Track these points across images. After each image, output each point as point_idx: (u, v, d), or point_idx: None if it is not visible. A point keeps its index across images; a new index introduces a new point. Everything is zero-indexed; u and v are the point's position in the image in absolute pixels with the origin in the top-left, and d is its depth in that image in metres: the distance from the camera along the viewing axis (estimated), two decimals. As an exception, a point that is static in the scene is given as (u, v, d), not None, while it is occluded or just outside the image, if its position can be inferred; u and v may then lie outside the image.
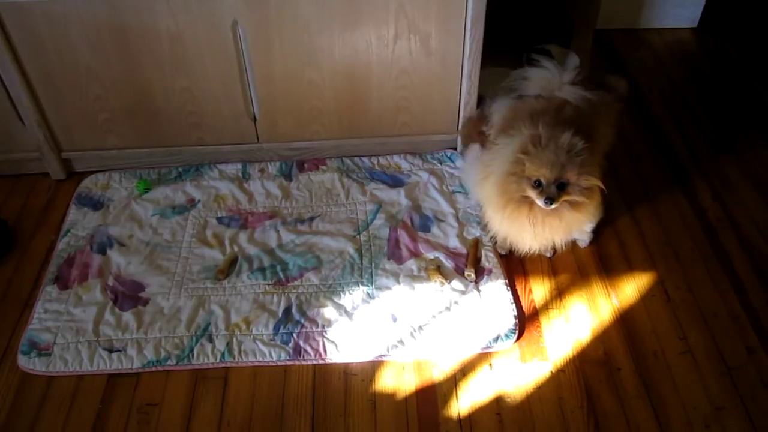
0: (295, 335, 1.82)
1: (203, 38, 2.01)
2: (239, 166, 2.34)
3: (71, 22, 1.94)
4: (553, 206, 1.70)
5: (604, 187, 1.77)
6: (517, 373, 1.76)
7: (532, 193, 1.72)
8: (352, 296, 1.91)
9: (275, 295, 1.92)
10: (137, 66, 2.05)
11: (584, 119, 1.86)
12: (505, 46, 2.63)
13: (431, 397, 1.71)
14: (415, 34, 2.03)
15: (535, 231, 1.81)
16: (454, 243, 2.05)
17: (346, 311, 1.87)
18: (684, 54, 2.92)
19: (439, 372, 1.76)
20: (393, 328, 1.83)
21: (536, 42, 2.64)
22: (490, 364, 1.78)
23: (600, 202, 1.84)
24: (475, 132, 2.14)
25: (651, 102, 2.65)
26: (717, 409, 1.67)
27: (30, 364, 1.77)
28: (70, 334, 1.83)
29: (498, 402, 1.70)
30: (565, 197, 1.72)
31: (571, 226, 1.84)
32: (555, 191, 1.69)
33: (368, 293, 1.92)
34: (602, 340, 1.83)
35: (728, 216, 2.17)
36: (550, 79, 1.98)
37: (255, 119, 2.22)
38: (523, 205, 1.76)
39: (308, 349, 1.79)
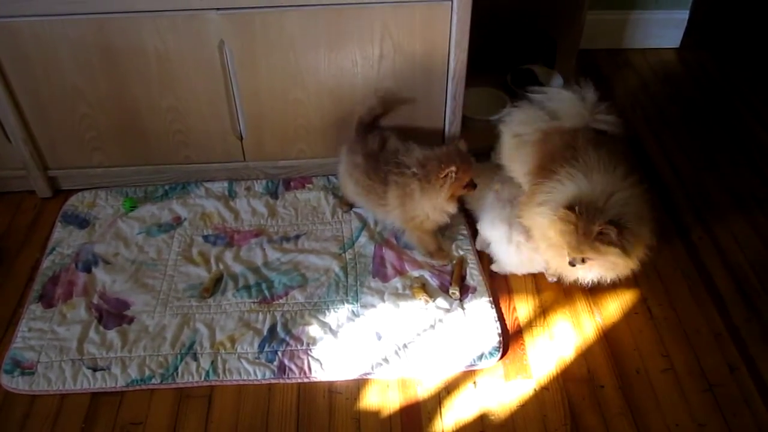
0: (279, 353, 1.82)
1: (190, 58, 2.02)
2: (225, 184, 2.34)
3: (59, 41, 1.95)
4: (579, 267, 1.76)
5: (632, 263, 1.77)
6: (501, 391, 1.77)
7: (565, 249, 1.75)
8: (337, 314, 1.92)
9: (260, 314, 1.92)
10: (124, 85, 2.06)
11: (618, 149, 1.86)
12: (490, 66, 2.66)
13: (415, 415, 1.71)
14: (399, 55, 2.06)
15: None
16: (439, 261, 2.06)
17: (331, 329, 1.88)
18: (667, 74, 2.96)
19: (423, 390, 1.77)
20: (378, 346, 1.84)
21: (520, 62, 2.68)
22: (475, 382, 1.78)
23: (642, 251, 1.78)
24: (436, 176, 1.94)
25: (634, 121, 2.69)
26: (699, 426, 1.69)
27: (13, 383, 1.76)
28: (54, 353, 1.82)
29: (482, 420, 1.70)
30: (594, 264, 1.76)
31: (602, 275, 1.85)
32: (580, 260, 1.73)
33: (353, 311, 1.92)
34: (586, 357, 1.84)
35: (710, 234, 2.19)
36: (575, 106, 1.94)
37: (241, 138, 2.23)
38: (562, 251, 1.78)
39: (293, 367, 1.79)
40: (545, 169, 1.83)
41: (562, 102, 1.96)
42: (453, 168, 1.89)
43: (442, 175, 1.90)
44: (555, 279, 2.01)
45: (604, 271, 1.81)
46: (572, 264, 1.75)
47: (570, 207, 1.65)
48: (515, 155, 2.02)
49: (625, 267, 1.77)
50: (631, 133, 2.61)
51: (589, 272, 1.83)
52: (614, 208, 1.66)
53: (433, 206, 1.97)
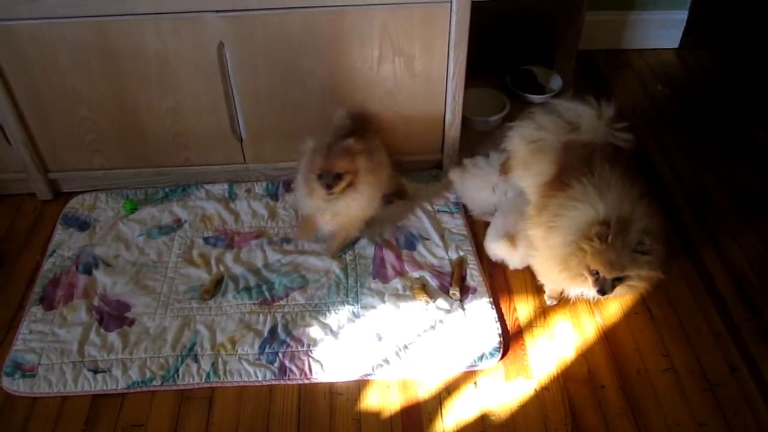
0: (280, 355, 1.82)
1: (190, 60, 2.02)
2: (226, 186, 2.35)
3: (58, 43, 1.95)
4: (610, 295, 1.68)
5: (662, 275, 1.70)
6: (502, 391, 1.77)
7: (588, 278, 1.66)
8: (338, 315, 1.92)
9: (261, 315, 1.92)
10: (124, 87, 2.07)
11: (634, 167, 1.84)
12: (489, 66, 2.67)
13: (416, 416, 1.71)
14: (399, 56, 2.06)
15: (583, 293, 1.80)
16: (439, 262, 2.06)
17: (331, 330, 1.88)
18: (666, 74, 2.96)
19: (424, 391, 1.77)
20: (378, 347, 1.84)
21: (519, 63, 2.69)
22: (475, 383, 1.78)
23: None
24: None
25: (633, 121, 2.68)
26: (700, 426, 1.69)
27: (14, 385, 1.76)
28: (54, 355, 1.82)
29: (483, 420, 1.70)
30: (620, 285, 1.67)
31: (622, 295, 1.84)
32: (611, 285, 1.64)
33: (354, 312, 1.93)
34: (586, 357, 1.85)
35: (710, 234, 2.19)
36: (595, 122, 1.90)
37: (241, 140, 2.23)
38: (579, 276, 1.70)
39: (293, 368, 1.79)
40: (559, 181, 1.79)
41: (581, 115, 1.91)
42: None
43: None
44: (554, 302, 1.98)
45: (623, 292, 1.74)
46: (603, 292, 1.64)
47: (603, 223, 1.60)
48: (530, 163, 1.95)
49: (645, 283, 1.72)
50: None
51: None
52: (641, 220, 1.62)
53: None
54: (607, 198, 1.66)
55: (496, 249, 2.01)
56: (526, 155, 1.97)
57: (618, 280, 1.64)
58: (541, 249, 1.81)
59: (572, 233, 1.66)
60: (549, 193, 1.81)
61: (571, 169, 1.78)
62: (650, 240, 1.59)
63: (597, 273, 1.63)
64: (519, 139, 2.01)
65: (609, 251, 1.59)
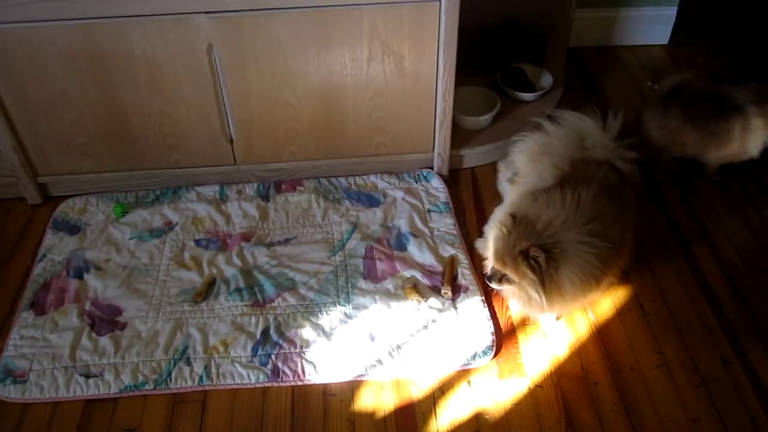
0: (273, 357, 1.82)
1: (179, 62, 2.02)
2: (217, 187, 2.34)
3: (46, 47, 1.94)
4: (494, 286, 1.69)
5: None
6: (496, 389, 1.77)
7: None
8: (330, 316, 1.91)
9: (253, 317, 1.92)
10: (113, 90, 2.06)
11: (626, 197, 1.77)
12: (479, 64, 2.67)
13: (410, 416, 1.71)
14: (389, 56, 2.06)
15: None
16: (430, 261, 2.06)
17: (324, 331, 1.88)
18: (656, 70, 2.96)
19: (417, 390, 1.77)
20: (371, 348, 1.84)
21: (510, 61, 2.69)
22: (469, 382, 1.78)
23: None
24: None
25: (624, 118, 2.68)
26: (693, 421, 1.69)
27: (5, 391, 1.75)
28: (46, 361, 1.81)
29: (477, 419, 1.70)
30: (506, 284, 1.66)
31: (522, 300, 1.72)
32: (498, 277, 1.65)
33: (346, 313, 1.92)
34: (579, 354, 1.85)
35: (701, 229, 2.20)
36: (601, 141, 1.85)
37: (232, 141, 2.23)
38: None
39: (287, 370, 1.79)
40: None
41: (586, 130, 1.87)
42: None
43: None
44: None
45: (519, 301, 1.72)
46: (489, 279, 1.67)
47: (512, 214, 1.61)
48: (528, 172, 1.93)
49: (538, 307, 1.65)
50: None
51: (510, 297, 1.80)
52: (552, 239, 1.57)
53: None
54: (552, 208, 1.63)
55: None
56: (527, 167, 1.95)
57: (505, 277, 1.64)
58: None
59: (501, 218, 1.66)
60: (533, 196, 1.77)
61: (566, 184, 1.72)
62: (544, 257, 1.54)
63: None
64: (521, 152, 1.98)
65: (501, 240, 1.61)
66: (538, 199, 1.69)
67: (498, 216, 1.84)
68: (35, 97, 2.05)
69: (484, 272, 1.73)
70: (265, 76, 2.07)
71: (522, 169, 1.97)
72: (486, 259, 1.76)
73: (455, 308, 1.93)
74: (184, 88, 2.08)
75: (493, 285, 1.68)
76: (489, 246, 1.71)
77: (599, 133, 1.87)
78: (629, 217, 1.77)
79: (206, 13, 1.92)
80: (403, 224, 2.18)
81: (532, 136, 1.96)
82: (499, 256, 1.62)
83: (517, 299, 1.74)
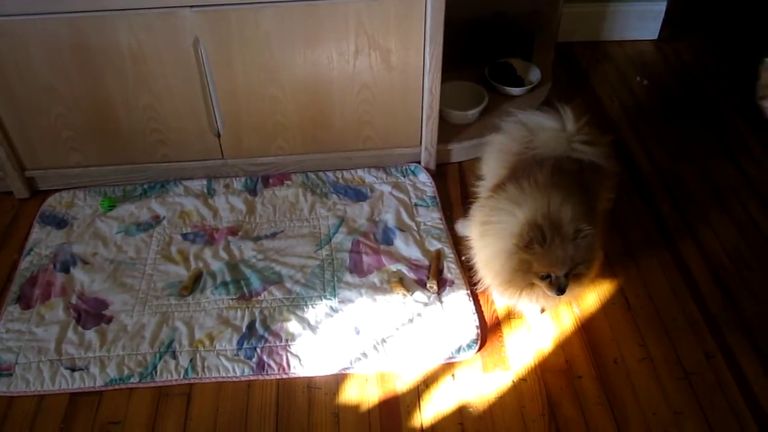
0: (258, 350, 1.82)
1: (165, 56, 2.01)
2: (204, 182, 2.34)
3: (31, 40, 1.94)
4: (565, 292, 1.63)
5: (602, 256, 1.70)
6: (480, 383, 1.77)
7: (541, 284, 1.62)
8: (316, 310, 1.92)
9: (239, 310, 1.92)
10: (99, 84, 2.06)
11: (586, 177, 1.77)
12: (468, 59, 2.67)
13: (394, 409, 1.72)
14: (375, 50, 2.06)
15: (538, 304, 1.81)
16: (416, 255, 2.07)
17: (309, 325, 1.88)
18: (644, 65, 2.97)
19: (402, 384, 1.77)
20: (356, 341, 1.84)
21: (498, 55, 2.69)
22: (453, 375, 1.79)
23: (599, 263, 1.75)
24: None
25: (612, 113, 2.70)
26: (676, 414, 1.70)
27: (-9, 385, 1.76)
28: (32, 354, 1.82)
29: (461, 412, 1.71)
30: (572, 278, 1.64)
31: (574, 295, 1.79)
32: (565, 282, 1.60)
33: (331, 307, 1.93)
34: (564, 348, 1.86)
35: (687, 223, 2.21)
36: (555, 135, 1.84)
37: (219, 135, 2.23)
38: (527, 288, 1.67)
39: (272, 363, 1.79)
40: (503, 184, 1.77)
41: (541, 128, 1.87)
42: None
43: None
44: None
45: (568, 298, 1.74)
46: (561, 290, 1.60)
47: (534, 227, 1.56)
48: (490, 166, 1.96)
49: (593, 269, 1.68)
50: (610, 125, 2.63)
51: (547, 303, 1.79)
52: (566, 212, 1.59)
53: None
54: (531, 201, 1.63)
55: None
56: (490, 160, 1.98)
57: (568, 274, 1.61)
58: (478, 253, 1.78)
59: (510, 250, 1.62)
60: (490, 195, 1.80)
61: (519, 174, 1.75)
62: (585, 225, 1.56)
63: (548, 276, 1.60)
64: (490, 149, 2.00)
65: (554, 250, 1.56)
66: (508, 193, 1.70)
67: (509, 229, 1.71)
68: (21, 92, 2.05)
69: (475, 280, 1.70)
70: (251, 70, 2.07)
71: (484, 172, 2.00)
72: (466, 239, 1.80)
73: (440, 302, 1.94)
74: (170, 82, 2.07)
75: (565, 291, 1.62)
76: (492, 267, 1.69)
77: (556, 132, 1.84)
78: (594, 191, 1.78)
79: (191, 6, 1.92)
80: (390, 218, 2.19)
81: (492, 138, 1.99)
82: (564, 261, 1.57)
83: (537, 299, 1.72)
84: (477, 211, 1.84)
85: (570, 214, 1.58)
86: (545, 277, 1.61)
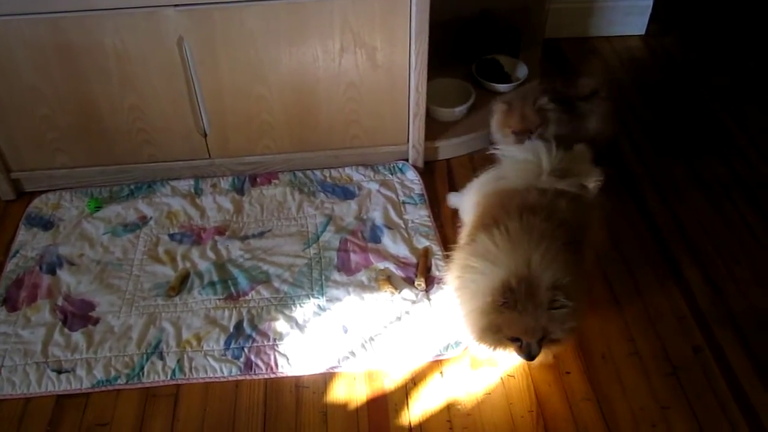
0: (246, 350, 1.82)
1: (150, 55, 2.00)
2: (191, 182, 2.33)
3: (14, 41, 1.92)
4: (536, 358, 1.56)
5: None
6: (468, 380, 1.77)
7: (511, 346, 1.57)
8: (303, 309, 1.91)
9: (226, 310, 1.91)
10: (84, 84, 2.05)
11: (579, 217, 1.68)
12: (455, 56, 2.67)
13: (383, 407, 1.72)
14: (360, 48, 2.05)
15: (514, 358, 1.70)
16: (404, 253, 2.06)
17: (297, 324, 1.88)
18: (632, 60, 2.98)
19: (390, 382, 1.77)
20: (344, 340, 1.84)
21: (485, 52, 2.69)
22: (441, 372, 1.79)
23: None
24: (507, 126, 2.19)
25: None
26: (663, 409, 1.70)
27: (-24, 388, 1.75)
28: (18, 357, 1.81)
29: (449, 409, 1.71)
30: (547, 343, 1.56)
31: (548, 355, 1.72)
32: (537, 348, 1.54)
33: (319, 305, 1.92)
34: (551, 344, 1.86)
35: (675, 219, 2.21)
36: (529, 169, 1.76)
37: (205, 135, 2.22)
38: (500, 345, 1.59)
39: (259, 363, 1.79)
40: (484, 222, 1.68)
41: (515, 167, 1.80)
42: None
43: None
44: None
45: (550, 349, 1.64)
46: (531, 357, 1.54)
47: (507, 289, 1.47)
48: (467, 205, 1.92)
49: (569, 336, 1.58)
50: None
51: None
52: (547, 273, 1.48)
53: None
54: (508, 257, 1.53)
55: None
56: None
57: (542, 340, 1.54)
58: (455, 302, 1.69)
59: (477, 302, 1.54)
60: (473, 232, 1.71)
61: (487, 220, 1.67)
62: (562, 294, 1.46)
63: (518, 339, 1.54)
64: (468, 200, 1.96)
65: (524, 317, 1.48)
66: (480, 245, 1.61)
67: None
68: (5, 93, 2.04)
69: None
70: (237, 68, 2.06)
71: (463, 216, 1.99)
72: (460, 212, 1.81)
73: (428, 300, 1.94)
74: (155, 82, 2.07)
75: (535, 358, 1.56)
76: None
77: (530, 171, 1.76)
78: (578, 230, 1.68)
79: (175, 6, 1.91)
80: (377, 216, 2.18)
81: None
82: (532, 329, 1.50)
83: (512, 353, 1.61)
84: (455, 258, 1.75)
85: (549, 278, 1.47)
86: (515, 340, 1.55)
